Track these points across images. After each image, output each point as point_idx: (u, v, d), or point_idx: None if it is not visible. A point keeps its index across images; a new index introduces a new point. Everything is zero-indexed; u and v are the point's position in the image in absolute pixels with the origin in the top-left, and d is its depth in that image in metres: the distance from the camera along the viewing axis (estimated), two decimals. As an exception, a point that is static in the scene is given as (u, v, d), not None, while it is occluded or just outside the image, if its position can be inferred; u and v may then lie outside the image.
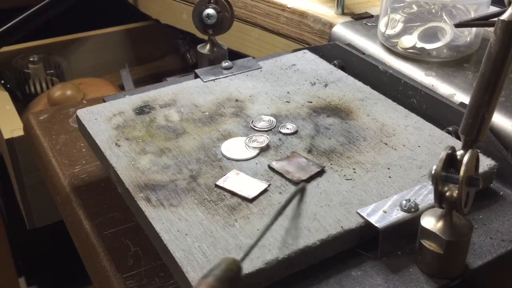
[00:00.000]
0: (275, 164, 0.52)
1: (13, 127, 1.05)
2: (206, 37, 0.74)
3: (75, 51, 1.51)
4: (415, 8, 0.76)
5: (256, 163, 0.53)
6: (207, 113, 0.61)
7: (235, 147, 0.55)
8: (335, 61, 0.74)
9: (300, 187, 0.47)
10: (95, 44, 1.53)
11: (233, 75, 0.69)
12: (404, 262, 0.44)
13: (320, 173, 0.51)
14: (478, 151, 0.41)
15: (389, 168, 0.52)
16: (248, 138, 0.56)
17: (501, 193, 0.52)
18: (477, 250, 0.45)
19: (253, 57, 0.75)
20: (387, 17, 0.77)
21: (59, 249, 1.23)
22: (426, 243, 0.42)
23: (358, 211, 0.45)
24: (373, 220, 0.44)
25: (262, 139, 0.55)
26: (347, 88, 0.66)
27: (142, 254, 0.55)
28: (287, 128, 0.58)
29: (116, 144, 0.56)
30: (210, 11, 0.71)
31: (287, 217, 0.45)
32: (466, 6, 0.74)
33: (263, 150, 0.54)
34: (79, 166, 0.70)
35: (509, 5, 0.37)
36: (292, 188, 0.49)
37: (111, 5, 1.51)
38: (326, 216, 0.46)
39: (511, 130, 0.58)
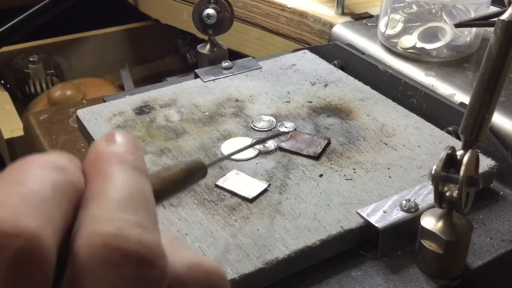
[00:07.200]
0: (284, 145, 0.54)
1: (13, 127, 1.05)
2: (206, 37, 0.74)
3: (75, 51, 1.51)
4: (415, 8, 0.76)
5: (256, 163, 0.53)
6: (207, 113, 0.61)
7: (235, 147, 0.55)
8: (335, 61, 0.74)
9: (283, 132, 0.54)
10: (95, 44, 1.53)
11: (233, 75, 0.69)
12: (404, 262, 0.44)
13: (328, 144, 0.55)
14: (478, 151, 0.41)
15: (389, 168, 0.52)
16: (255, 141, 0.55)
17: (501, 193, 0.52)
18: (477, 250, 0.45)
19: (253, 57, 0.75)
20: (387, 17, 0.77)
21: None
22: (426, 243, 0.42)
23: (358, 211, 0.45)
24: (373, 220, 0.44)
25: (269, 144, 0.55)
26: (347, 88, 0.66)
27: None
28: (286, 127, 0.58)
29: (116, 144, 0.56)
30: (210, 11, 0.71)
31: (287, 217, 0.45)
32: (466, 6, 0.74)
33: (267, 152, 0.54)
34: (79, 166, 0.70)
35: (509, 5, 0.37)
36: (291, 188, 0.49)
37: (111, 5, 1.51)
38: (326, 216, 0.46)
39: (511, 130, 0.58)
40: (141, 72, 1.56)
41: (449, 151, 0.39)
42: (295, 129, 0.58)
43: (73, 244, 0.18)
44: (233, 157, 0.53)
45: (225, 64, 0.70)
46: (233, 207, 0.47)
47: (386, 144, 0.55)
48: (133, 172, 0.20)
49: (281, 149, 0.54)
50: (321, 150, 0.53)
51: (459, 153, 0.39)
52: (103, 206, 0.18)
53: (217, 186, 0.49)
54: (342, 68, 0.73)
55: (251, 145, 0.51)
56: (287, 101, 0.64)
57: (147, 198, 0.20)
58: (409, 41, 0.74)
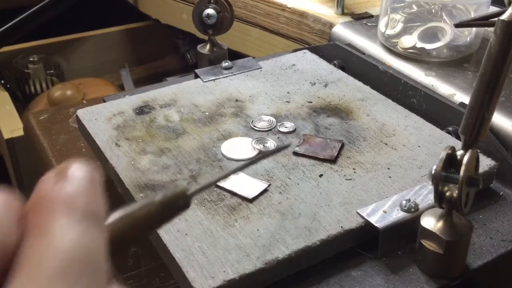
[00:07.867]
0: (299, 149, 0.54)
1: (13, 127, 1.05)
2: (206, 37, 0.74)
3: (75, 51, 1.51)
4: (415, 8, 0.76)
5: (256, 163, 0.53)
6: (207, 113, 0.61)
7: (235, 147, 0.55)
8: (335, 61, 0.74)
9: (285, 145, 0.53)
10: (95, 44, 1.53)
11: (233, 75, 0.69)
12: (404, 262, 0.44)
13: (342, 147, 0.55)
14: (478, 151, 0.41)
15: (389, 168, 0.52)
16: (255, 140, 0.56)
17: (501, 193, 0.52)
18: (477, 250, 0.45)
19: (253, 57, 0.75)
20: (387, 17, 0.77)
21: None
22: (426, 243, 0.42)
23: (358, 211, 0.45)
24: (373, 220, 0.44)
25: (269, 144, 0.55)
26: (347, 88, 0.66)
27: (142, 254, 0.55)
28: (285, 127, 0.58)
29: (116, 144, 0.56)
30: (210, 11, 0.71)
31: (287, 217, 0.45)
32: (466, 6, 0.74)
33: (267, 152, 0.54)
34: (79, 166, 0.70)
35: (509, 5, 0.37)
36: (291, 188, 0.49)
37: (111, 5, 1.51)
38: (326, 216, 0.46)
39: (511, 130, 0.58)
40: (141, 72, 1.56)
41: (449, 151, 0.39)
42: (295, 130, 0.58)
43: None
44: (233, 157, 0.53)
45: (225, 64, 0.70)
46: (233, 207, 0.47)
47: (386, 144, 0.55)
48: (81, 223, 0.17)
49: (296, 154, 0.54)
50: (336, 153, 0.53)
51: (459, 153, 0.39)
52: (32, 281, 0.15)
53: (217, 186, 0.49)
54: (342, 68, 0.73)
55: (254, 162, 0.47)
56: (287, 101, 0.64)
57: (95, 260, 0.17)
58: (409, 41, 0.74)
